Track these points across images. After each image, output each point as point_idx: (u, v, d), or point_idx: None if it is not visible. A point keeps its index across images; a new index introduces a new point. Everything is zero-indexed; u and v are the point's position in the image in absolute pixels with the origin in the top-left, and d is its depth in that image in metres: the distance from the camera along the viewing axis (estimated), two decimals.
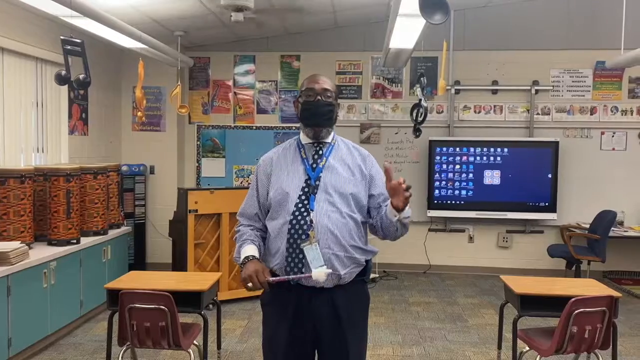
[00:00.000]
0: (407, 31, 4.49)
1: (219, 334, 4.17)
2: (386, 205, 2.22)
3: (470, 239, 7.18)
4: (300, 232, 2.19)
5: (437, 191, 6.96)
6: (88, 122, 6.16)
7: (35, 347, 4.25)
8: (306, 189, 2.25)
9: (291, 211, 2.22)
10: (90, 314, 5.11)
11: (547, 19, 6.89)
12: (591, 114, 6.95)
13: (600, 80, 6.95)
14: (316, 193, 2.24)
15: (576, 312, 3.09)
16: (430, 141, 6.92)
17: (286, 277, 2.18)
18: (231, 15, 5.34)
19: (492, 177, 6.90)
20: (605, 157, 6.91)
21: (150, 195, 7.05)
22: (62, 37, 4.10)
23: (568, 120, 6.97)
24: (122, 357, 3.42)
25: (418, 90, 6.00)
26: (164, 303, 3.09)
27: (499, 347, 4.35)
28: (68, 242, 4.72)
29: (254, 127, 7.21)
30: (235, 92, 7.31)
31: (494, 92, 7.05)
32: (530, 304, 3.53)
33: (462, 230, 7.18)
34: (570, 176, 6.88)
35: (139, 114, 5.98)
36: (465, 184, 6.93)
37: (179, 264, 5.51)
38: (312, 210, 2.21)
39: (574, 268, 6.22)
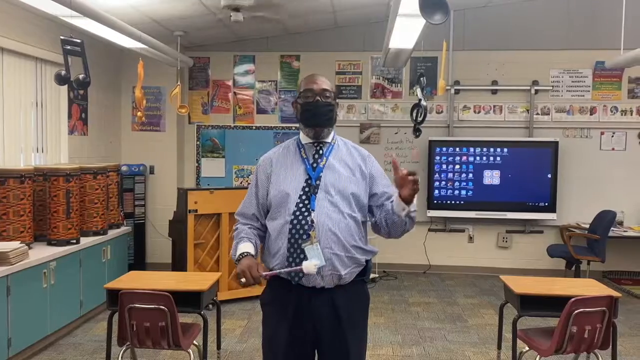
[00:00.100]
0: (406, 31, 4.49)
1: (218, 334, 4.18)
2: (391, 202, 2.22)
3: (470, 239, 7.18)
4: (301, 232, 2.19)
5: (436, 191, 6.95)
6: (88, 122, 6.15)
7: (35, 347, 4.25)
8: (307, 189, 2.25)
9: (292, 211, 2.22)
10: (90, 314, 5.10)
11: (547, 19, 6.89)
12: (591, 114, 6.95)
13: (600, 80, 6.95)
14: (317, 193, 2.24)
15: (576, 312, 3.09)
16: (430, 141, 6.92)
17: (277, 271, 2.19)
18: (231, 15, 5.35)
19: (491, 177, 6.90)
20: (604, 157, 6.91)
21: (150, 195, 7.05)
22: (61, 37, 4.10)
23: (568, 120, 6.97)
24: (121, 357, 3.42)
25: (418, 90, 6.00)
26: (163, 303, 3.10)
27: (499, 347, 4.36)
28: (68, 242, 4.72)
29: (254, 127, 7.22)
30: (235, 92, 7.31)
31: (494, 92, 7.05)
32: (530, 304, 3.54)
33: (462, 230, 7.18)
34: (570, 176, 6.88)
35: (139, 114, 5.98)
36: (465, 184, 6.93)
37: (178, 264, 5.51)
38: (313, 210, 2.21)
39: (573, 268, 6.23)
